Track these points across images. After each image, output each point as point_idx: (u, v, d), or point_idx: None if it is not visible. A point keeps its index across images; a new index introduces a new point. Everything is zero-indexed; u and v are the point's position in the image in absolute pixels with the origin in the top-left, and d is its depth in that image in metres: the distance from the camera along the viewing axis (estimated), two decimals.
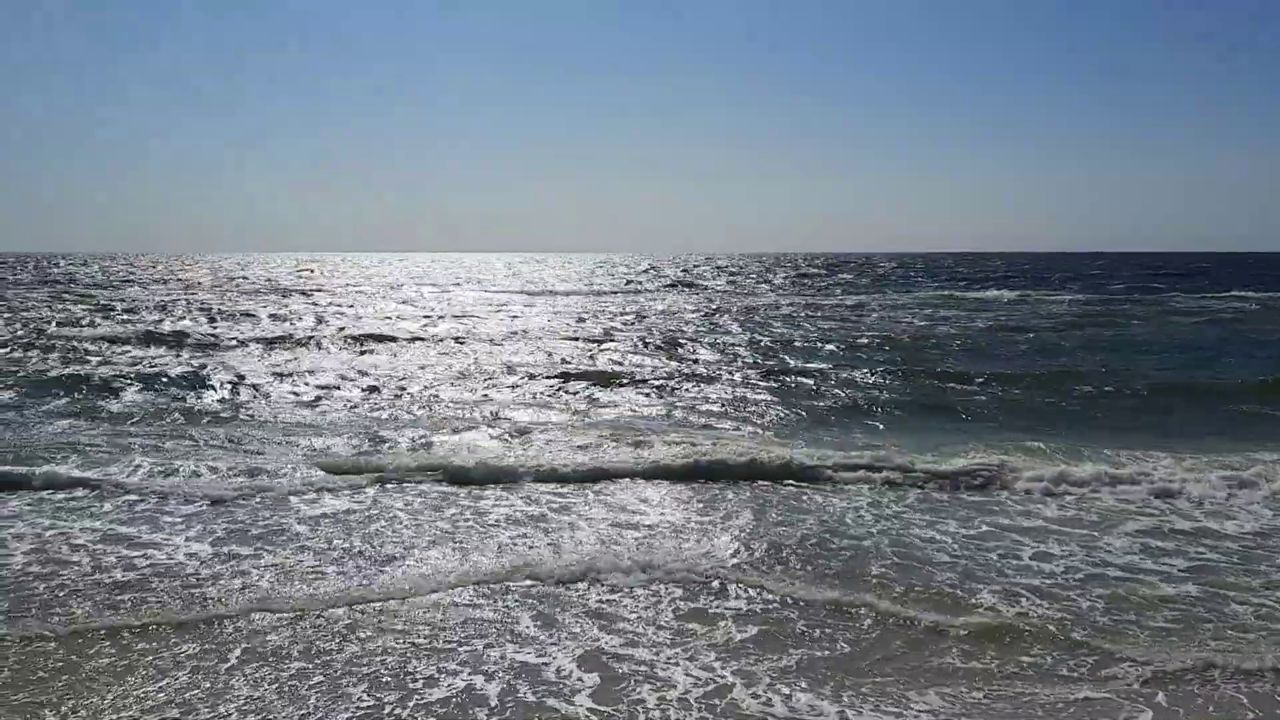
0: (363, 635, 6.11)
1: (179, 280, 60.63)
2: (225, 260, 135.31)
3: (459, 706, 5.22)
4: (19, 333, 25.12)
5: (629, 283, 62.17)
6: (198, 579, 7.11)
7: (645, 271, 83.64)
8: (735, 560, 7.58)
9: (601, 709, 5.20)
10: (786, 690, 5.44)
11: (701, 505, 9.24)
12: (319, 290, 49.39)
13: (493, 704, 5.25)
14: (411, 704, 5.22)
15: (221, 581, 7.05)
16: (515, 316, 32.56)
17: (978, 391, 16.14)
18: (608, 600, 6.75)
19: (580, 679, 5.53)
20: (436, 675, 5.56)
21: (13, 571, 7.24)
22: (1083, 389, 16.11)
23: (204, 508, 8.98)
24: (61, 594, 6.79)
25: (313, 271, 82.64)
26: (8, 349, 21.35)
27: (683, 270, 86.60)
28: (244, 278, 65.63)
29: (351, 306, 37.16)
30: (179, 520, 8.58)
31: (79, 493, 9.41)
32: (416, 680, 5.50)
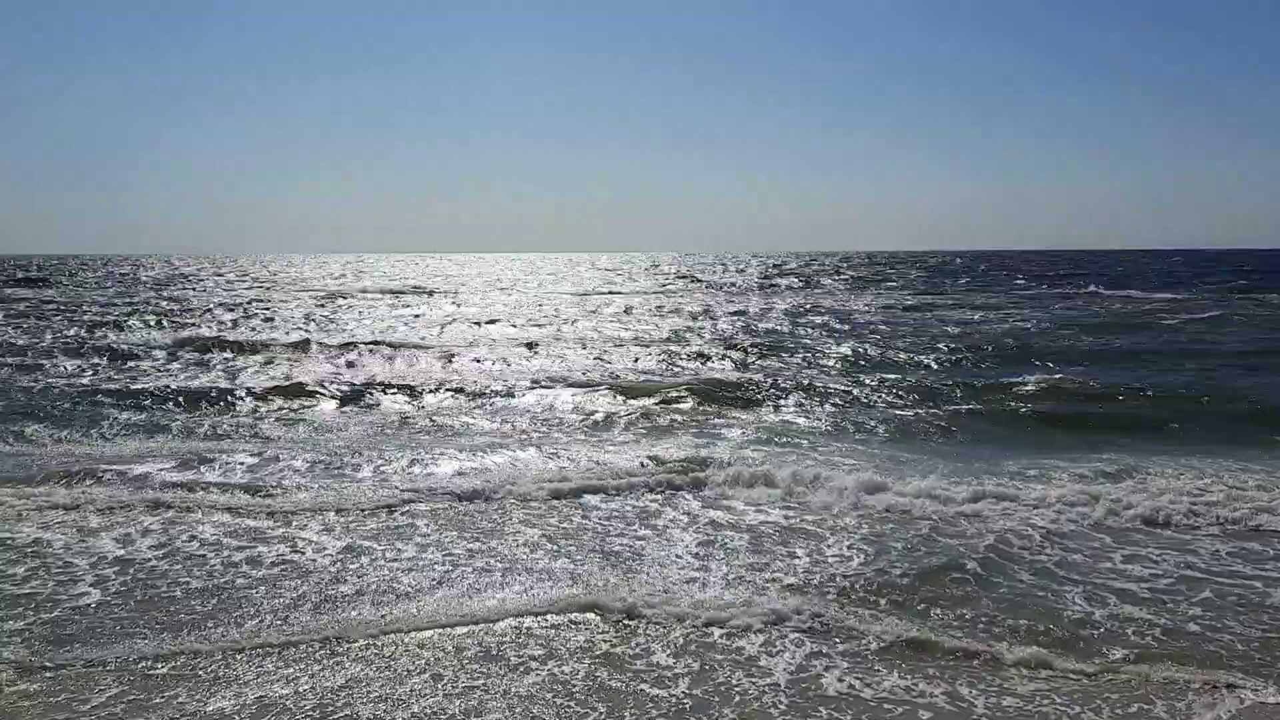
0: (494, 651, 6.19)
1: (256, 282, 61.77)
2: (277, 261, 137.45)
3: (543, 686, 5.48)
4: (112, 341, 25.83)
5: (694, 281, 62.15)
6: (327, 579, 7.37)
7: (698, 270, 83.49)
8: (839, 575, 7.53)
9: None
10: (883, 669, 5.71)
11: (799, 518, 9.14)
12: (386, 293, 49.97)
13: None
14: (500, 689, 5.46)
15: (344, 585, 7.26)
16: (590, 317, 32.63)
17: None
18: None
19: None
20: (528, 663, 5.81)
21: (144, 570, 7.57)
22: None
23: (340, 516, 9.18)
24: (179, 594, 7.08)
25: None
26: (107, 359, 21.90)
27: (739, 270, 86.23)
28: (310, 279, 66.70)
29: (413, 309, 37.55)
30: (311, 525, 8.81)
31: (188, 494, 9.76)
32: (504, 668, 5.75)
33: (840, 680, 5.66)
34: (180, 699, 5.40)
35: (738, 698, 5.45)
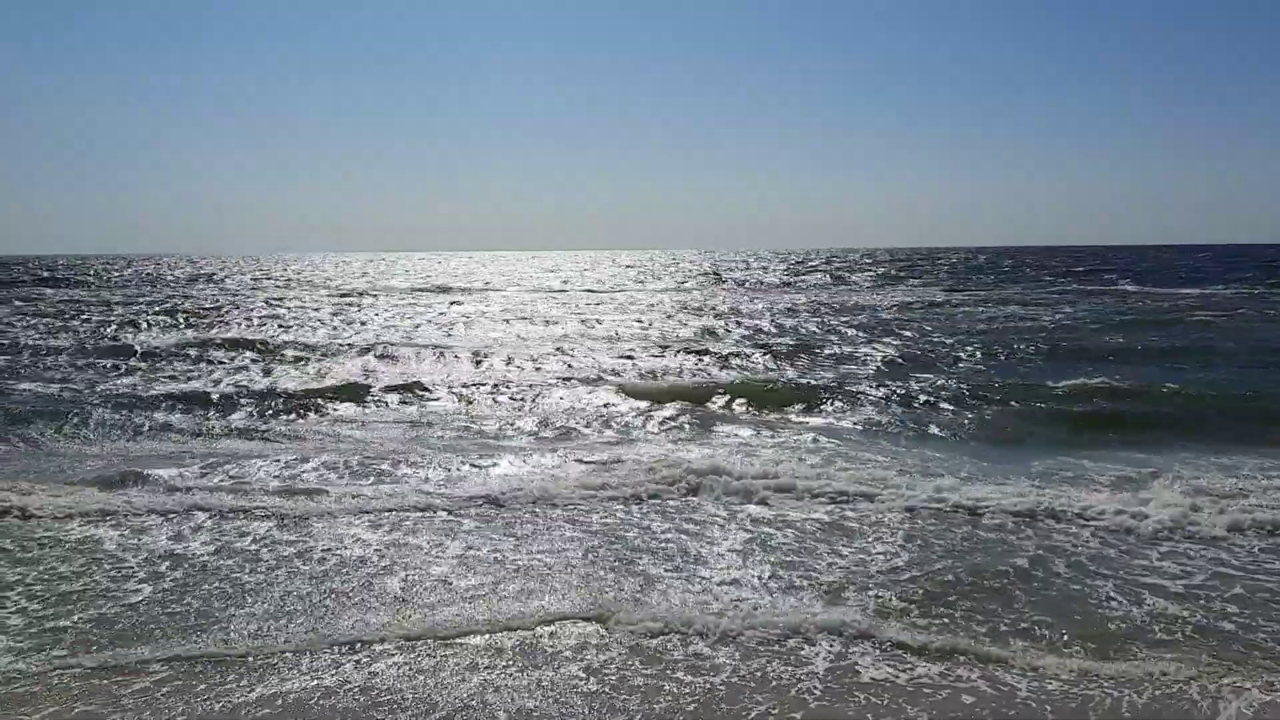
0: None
1: (279, 281, 62.16)
2: (299, 262, 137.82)
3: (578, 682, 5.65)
4: (143, 340, 26.17)
5: (718, 278, 62.10)
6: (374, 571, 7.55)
7: (721, 267, 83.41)
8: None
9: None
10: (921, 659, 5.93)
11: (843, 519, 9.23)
12: (411, 292, 50.22)
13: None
14: (537, 685, 5.63)
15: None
16: (617, 314, 32.69)
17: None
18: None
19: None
20: (566, 661, 5.96)
21: (195, 567, 7.80)
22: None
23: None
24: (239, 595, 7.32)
25: None
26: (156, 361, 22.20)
27: (762, 267, 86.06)
28: (333, 278, 67.10)
29: (438, 308, 37.74)
30: (354, 526, 8.94)
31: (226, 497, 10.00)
32: (543, 666, 5.86)
33: (874, 667, 5.81)
34: (224, 689, 5.57)
35: (775, 683, 5.60)
